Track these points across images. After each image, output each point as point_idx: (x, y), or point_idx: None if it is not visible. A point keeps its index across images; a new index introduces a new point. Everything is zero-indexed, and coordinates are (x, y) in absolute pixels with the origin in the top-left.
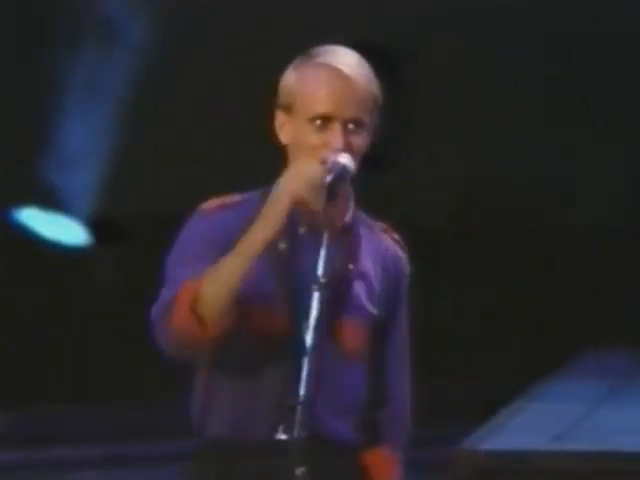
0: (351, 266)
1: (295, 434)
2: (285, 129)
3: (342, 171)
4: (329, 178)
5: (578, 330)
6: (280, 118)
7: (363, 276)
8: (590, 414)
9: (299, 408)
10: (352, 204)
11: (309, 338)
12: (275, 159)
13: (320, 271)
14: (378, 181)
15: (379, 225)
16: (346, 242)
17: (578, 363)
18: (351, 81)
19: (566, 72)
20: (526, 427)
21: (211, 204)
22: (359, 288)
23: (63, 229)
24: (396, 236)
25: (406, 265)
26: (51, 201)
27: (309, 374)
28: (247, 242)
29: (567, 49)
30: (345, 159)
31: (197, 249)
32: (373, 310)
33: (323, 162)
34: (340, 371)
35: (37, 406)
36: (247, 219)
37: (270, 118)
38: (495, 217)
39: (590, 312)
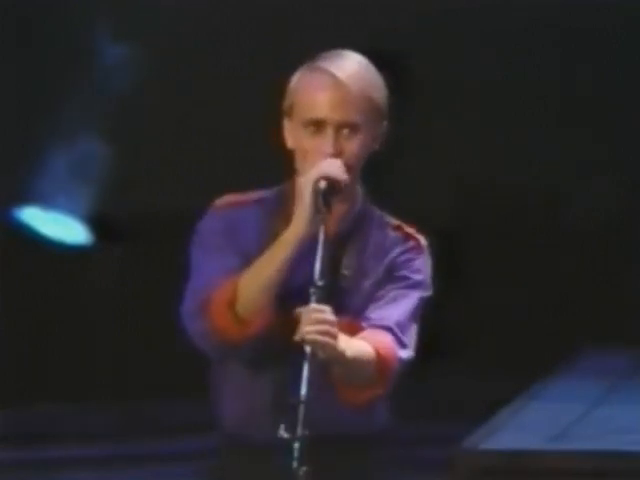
0: (346, 272)
1: (297, 433)
2: (287, 134)
3: (328, 188)
4: (323, 185)
5: (578, 330)
6: (285, 124)
7: (361, 280)
8: (589, 414)
9: (301, 407)
10: (358, 206)
11: None
12: (275, 159)
13: (317, 274)
14: (377, 182)
15: (392, 223)
16: (344, 247)
17: (578, 363)
18: (343, 85)
19: (566, 72)
20: (526, 427)
21: (226, 200)
22: (355, 293)
23: (63, 228)
24: (410, 230)
25: (408, 252)
26: (51, 200)
27: (311, 374)
28: (281, 240)
29: (568, 49)
30: (332, 169)
31: (219, 243)
32: (360, 311)
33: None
34: None
35: (36, 406)
36: (265, 218)
37: (279, 125)
38: (494, 217)
39: (590, 312)
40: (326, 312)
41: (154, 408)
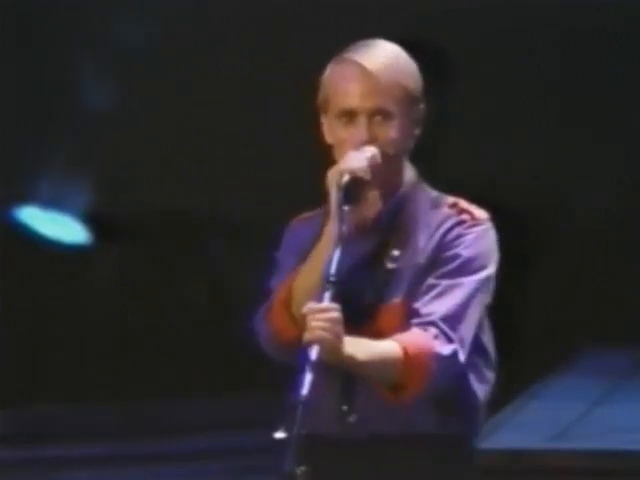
0: (396, 252)
1: (295, 432)
2: (325, 129)
3: (351, 182)
4: (346, 178)
5: (578, 330)
6: (323, 120)
7: (411, 260)
8: (589, 413)
9: (299, 407)
10: (404, 188)
11: None
12: (275, 159)
13: (332, 270)
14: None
15: (448, 201)
16: (390, 228)
17: (578, 362)
18: (371, 73)
19: (566, 72)
20: (526, 426)
21: (297, 217)
22: (406, 274)
23: (63, 228)
24: (465, 205)
25: (458, 227)
26: (51, 200)
27: (319, 373)
28: (322, 239)
29: (568, 49)
30: (353, 162)
31: (285, 254)
32: (412, 292)
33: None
34: None
35: (36, 406)
36: (319, 229)
37: (317, 122)
38: (494, 217)
39: (590, 312)
40: (330, 311)
41: (154, 408)
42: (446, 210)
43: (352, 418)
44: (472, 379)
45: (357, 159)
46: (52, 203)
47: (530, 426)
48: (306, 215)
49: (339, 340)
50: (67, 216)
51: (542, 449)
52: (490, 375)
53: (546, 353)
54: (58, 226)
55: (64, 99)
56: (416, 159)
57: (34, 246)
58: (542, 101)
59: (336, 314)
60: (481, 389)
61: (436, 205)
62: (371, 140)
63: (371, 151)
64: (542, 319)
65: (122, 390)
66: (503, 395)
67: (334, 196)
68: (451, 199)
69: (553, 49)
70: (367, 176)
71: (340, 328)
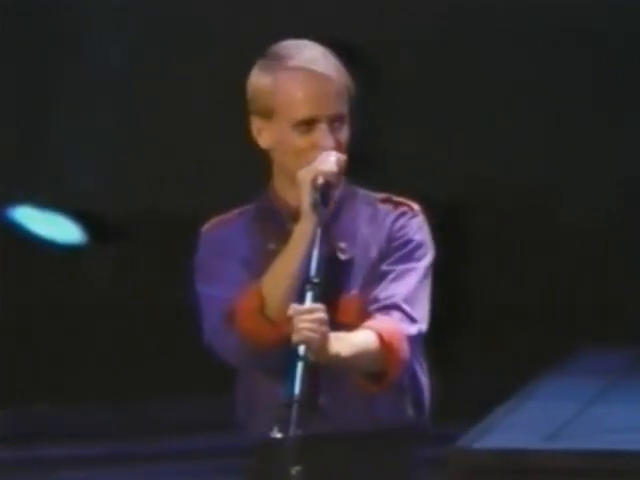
0: (343, 245)
1: (290, 432)
2: (264, 135)
3: (326, 184)
4: (321, 181)
5: (578, 330)
6: (257, 124)
7: (362, 252)
8: (584, 412)
9: (294, 407)
10: (341, 186)
11: None
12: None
13: (312, 271)
14: (365, 181)
15: (379, 197)
16: (335, 223)
17: (572, 361)
18: (325, 78)
19: (566, 72)
20: (521, 425)
21: (211, 222)
22: (359, 265)
23: (58, 228)
24: (398, 199)
25: (401, 218)
26: (46, 200)
27: (307, 373)
28: (293, 238)
29: (568, 49)
30: (327, 165)
31: (218, 265)
32: (368, 284)
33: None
34: None
35: (36, 406)
36: (252, 224)
37: (246, 123)
38: (493, 216)
39: (590, 312)
40: (316, 311)
41: (154, 408)
42: (382, 206)
43: (311, 412)
44: (419, 371)
45: (329, 163)
46: (49, 203)
47: (524, 426)
48: (222, 218)
49: (326, 340)
50: (64, 216)
51: (536, 449)
52: (425, 367)
53: (546, 353)
54: (53, 226)
55: (63, 99)
56: (415, 159)
57: (34, 246)
58: (542, 101)
59: (322, 315)
60: (425, 381)
61: (369, 201)
62: (336, 145)
63: (337, 156)
64: (542, 319)
65: (122, 390)
66: (502, 396)
67: (307, 196)
68: (380, 195)
69: (553, 49)
70: (335, 180)
71: (326, 328)
